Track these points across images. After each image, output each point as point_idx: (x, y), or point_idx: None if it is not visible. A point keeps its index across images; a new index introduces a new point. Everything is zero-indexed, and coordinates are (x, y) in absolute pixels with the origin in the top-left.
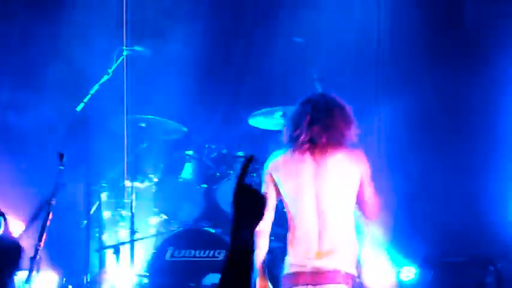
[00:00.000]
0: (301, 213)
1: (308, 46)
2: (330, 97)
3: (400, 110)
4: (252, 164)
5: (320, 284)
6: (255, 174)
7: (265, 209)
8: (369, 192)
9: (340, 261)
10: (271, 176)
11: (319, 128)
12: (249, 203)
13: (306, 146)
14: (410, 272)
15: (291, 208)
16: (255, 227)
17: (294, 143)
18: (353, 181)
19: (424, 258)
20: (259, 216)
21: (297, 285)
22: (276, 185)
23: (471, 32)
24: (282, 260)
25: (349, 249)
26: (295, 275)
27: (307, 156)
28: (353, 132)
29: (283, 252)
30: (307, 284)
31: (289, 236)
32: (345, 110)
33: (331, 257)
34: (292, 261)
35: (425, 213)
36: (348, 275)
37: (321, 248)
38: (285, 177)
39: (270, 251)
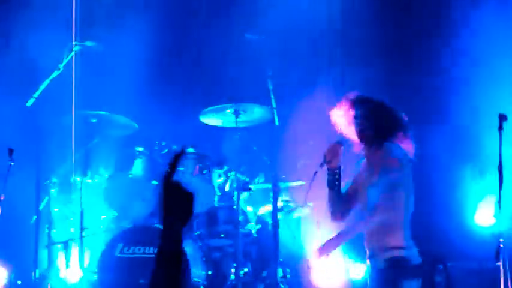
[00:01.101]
0: None
1: (261, 43)
2: None
3: None
4: (182, 159)
5: None
6: (205, 171)
7: (193, 206)
8: None
9: None
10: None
11: None
12: (177, 199)
13: None
14: (360, 270)
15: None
16: (184, 224)
17: None
18: None
19: None
20: (188, 212)
21: None
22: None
23: (420, 22)
24: (232, 257)
25: None
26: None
27: None
28: None
29: (233, 249)
30: None
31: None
32: None
33: None
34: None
35: None
36: None
37: None
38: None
39: (220, 249)
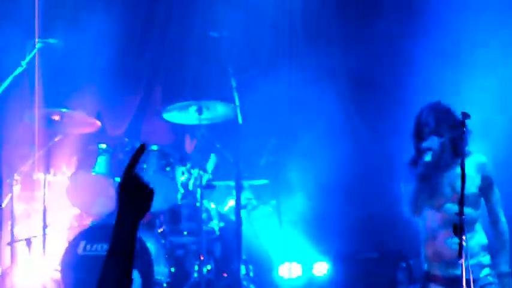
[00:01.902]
0: None
1: (224, 40)
2: None
3: (315, 99)
4: (143, 154)
5: None
6: (168, 168)
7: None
8: None
9: None
10: None
11: None
12: (135, 194)
13: None
14: (322, 267)
15: None
16: (140, 218)
17: None
18: None
19: (337, 254)
20: (144, 208)
21: None
22: None
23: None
24: (195, 255)
25: None
26: None
27: None
28: None
29: (196, 247)
30: None
31: None
32: None
33: None
34: None
35: (339, 208)
36: None
37: None
38: None
39: (183, 246)
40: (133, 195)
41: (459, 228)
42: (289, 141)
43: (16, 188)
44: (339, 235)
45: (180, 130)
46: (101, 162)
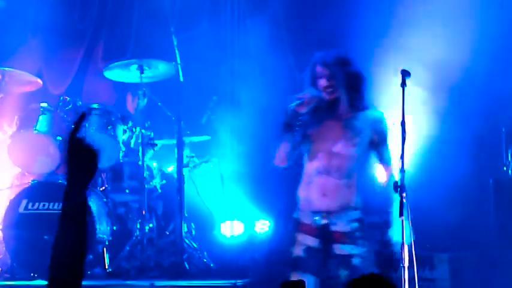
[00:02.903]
0: None
1: None
2: None
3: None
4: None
5: None
6: (110, 127)
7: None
8: None
9: None
10: None
11: None
12: (82, 157)
13: None
14: (264, 225)
15: None
16: (88, 181)
17: None
18: None
19: (279, 212)
20: (92, 169)
21: None
22: None
23: None
24: (137, 213)
25: None
26: None
27: None
28: None
29: (138, 205)
30: None
31: None
32: None
33: None
34: None
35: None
36: None
37: None
38: None
39: (125, 204)
40: (80, 159)
41: (400, 185)
42: (231, 98)
43: None
44: (281, 193)
45: (121, 88)
46: (43, 121)
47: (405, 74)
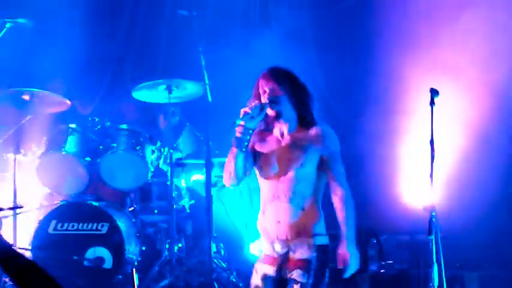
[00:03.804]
0: None
1: (193, 18)
2: None
3: None
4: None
5: None
6: (138, 147)
7: None
8: None
9: None
10: None
11: None
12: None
13: None
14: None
15: None
16: None
17: None
18: None
19: None
20: None
21: None
22: None
23: None
24: (165, 233)
25: None
26: None
27: None
28: None
29: (167, 225)
30: None
31: None
32: None
33: None
34: None
35: None
36: None
37: None
38: None
39: (154, 224)
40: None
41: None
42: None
43: None
44: None
45: (149, 109)
46: (71, 141)
47: (434, 93)
